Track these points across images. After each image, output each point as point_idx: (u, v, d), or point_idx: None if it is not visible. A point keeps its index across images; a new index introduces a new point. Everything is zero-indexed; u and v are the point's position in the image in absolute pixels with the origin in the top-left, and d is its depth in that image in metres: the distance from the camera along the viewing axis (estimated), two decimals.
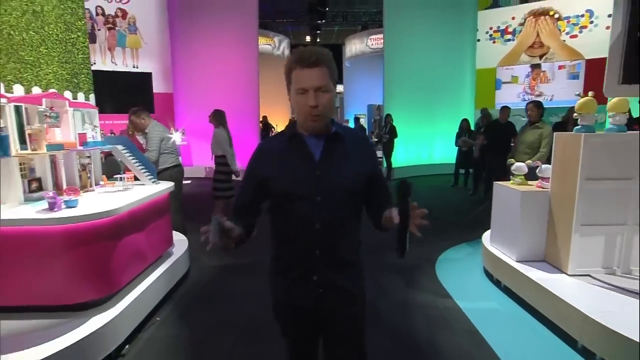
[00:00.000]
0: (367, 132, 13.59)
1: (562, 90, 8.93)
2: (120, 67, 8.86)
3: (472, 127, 8.02)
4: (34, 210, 2.29)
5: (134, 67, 9.14)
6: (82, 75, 3.34)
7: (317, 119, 1.20)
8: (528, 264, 3.07)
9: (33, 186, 2.55)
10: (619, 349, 2.11)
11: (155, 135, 4.10)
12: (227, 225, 1.08)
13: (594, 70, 8.36)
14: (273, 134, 13.72)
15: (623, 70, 2.45)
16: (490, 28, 9.68)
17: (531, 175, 3.35)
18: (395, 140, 8.83)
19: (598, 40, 8.36)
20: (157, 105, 9.29)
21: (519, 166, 3.30)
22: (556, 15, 8.93)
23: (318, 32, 20.66)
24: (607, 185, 2.68)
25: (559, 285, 2.69)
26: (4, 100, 2.25)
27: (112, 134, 6.52)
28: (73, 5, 3.22)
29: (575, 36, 8.76)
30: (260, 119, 10.16)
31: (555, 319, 2.59)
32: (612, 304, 2.41)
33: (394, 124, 8.76)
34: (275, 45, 17.68)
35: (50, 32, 2.94)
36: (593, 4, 8.51)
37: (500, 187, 3.43)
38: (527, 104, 4.51)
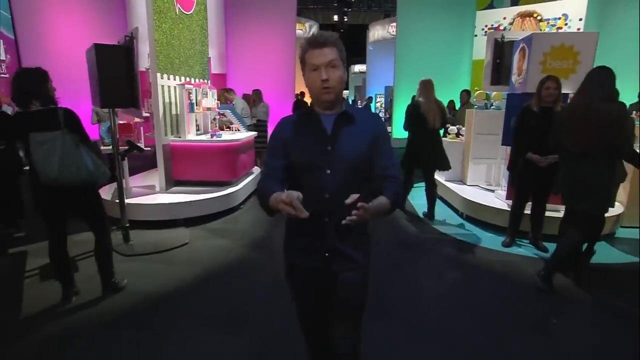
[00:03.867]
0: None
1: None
2: None
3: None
4: (206, 137, 4.98)
5: None
6: (206, 71, 5.96)
7: (329, 91, 1.31)
8: (451, 182, 5.57)
9: (197, 128, 5.22)
10: (476, 209, 4.62)
11: (238, 106, 6.73)
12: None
13: None
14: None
15: (491, 78, 4.85)
16: (486, 25, 11.72)
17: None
18: None
19: None
20: (213, 83, 11.88)
21: (452, 129, 5.77)
22: (538, 17, 10.92)
23: (345, 17, 22.71)
24: (486, 137, 5.12)
25: (461, 189, 5.18)
26: (192, 86, 4.89)
27: None
28: (204, 30, 5.80)
29: None
30: (298, 94, 12.42)
31: (455, 203, 5.12)
32: (483, 195, 4.88)
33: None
34: (306, 30, 19.92)
35: (197, 48, 5.54)
36: (568, 9, 10.44)
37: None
38: (461, 91, 6.99)
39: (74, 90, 8.43)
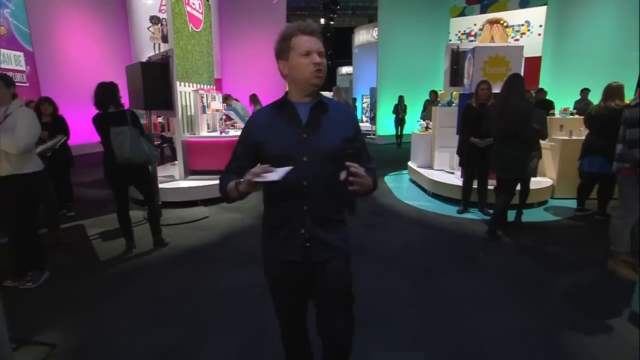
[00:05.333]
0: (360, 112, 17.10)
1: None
2: None
3: None
4: (216, 134, 5.97)
5: None
6: (212, 78, 6.95)
7: (320, 76, 1.33)
8: (422, 167, 6.65)
9: (208, 126, 6.21)
10: (439, 187, 5.69)
11: (239, 108, 7.74)
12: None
13: (529, 65, 11.54)
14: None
15: (450, 81, 5.94)
16: (459, 31, 12.89)
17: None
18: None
19: (533, 43, 11.55)
20: None
21: (422, 123, 6.86)
22: (505, 24, 12.11)
23: (331, 21, 23.82)
24: (448, 130, 6.19)
25: (429, 173, 6.25)
26: (204, 92, 5.88)
27: None
28: (210, 44, 6.79)
29: (517, 39, 11.92)
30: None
31: (423, 184, 6.20)
32: (446, 177, 5.96)
33: (405, 103, 12.16)
34: None
35: (205, 59, 6.53)
36: (530, 16, 11.64)
37: (414, 134, 7.01)
38: (430, 91, 8.10)
39: (83, 95, 9.39)
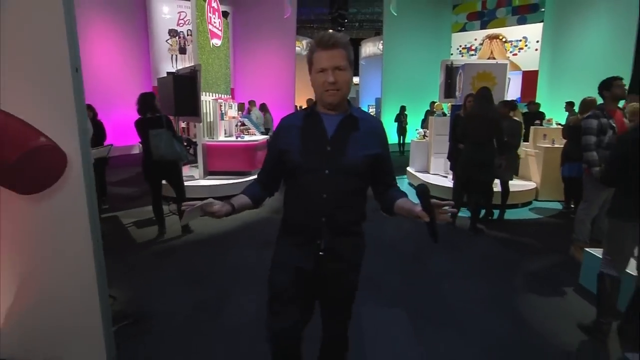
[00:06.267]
0: None
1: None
2: None
3: None
4: (232, 138, 6.63)
5: None
6: (228, 88, 7.64)
7: (334, 94, 1.32)
8: (419, 172, 7.24)
9: (225, 132, 6.88)
10: (434, 190, 6.23)
11: (254, 115, 8.42)
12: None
13: (527, 78, 12.12)
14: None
15: (444, 93, 6.56)
16: (460, 46, 13.56)
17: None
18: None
19: (530, 57, 12.15)
20: None
21: (420, 132, 7.47)
22: (503, 39, 12.75)
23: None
24: (442, 138, 6.78)
25: (426, 177, 6.83)
26: (222, 100, 6.55)
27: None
28: (227, 57, 7.49)
29: (516, 54, 12.54)
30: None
31: None
32: (440, 179, 6.54)
33: (405, 113, 12.83)
34: (304, 47, 21.78)
35: (222, 71, 7.22)
36: (527, 32, 12.25)
37: (412, 141, 7.62)
38: (430, 102, 8.70)
39: (107, 102, 10.16)
